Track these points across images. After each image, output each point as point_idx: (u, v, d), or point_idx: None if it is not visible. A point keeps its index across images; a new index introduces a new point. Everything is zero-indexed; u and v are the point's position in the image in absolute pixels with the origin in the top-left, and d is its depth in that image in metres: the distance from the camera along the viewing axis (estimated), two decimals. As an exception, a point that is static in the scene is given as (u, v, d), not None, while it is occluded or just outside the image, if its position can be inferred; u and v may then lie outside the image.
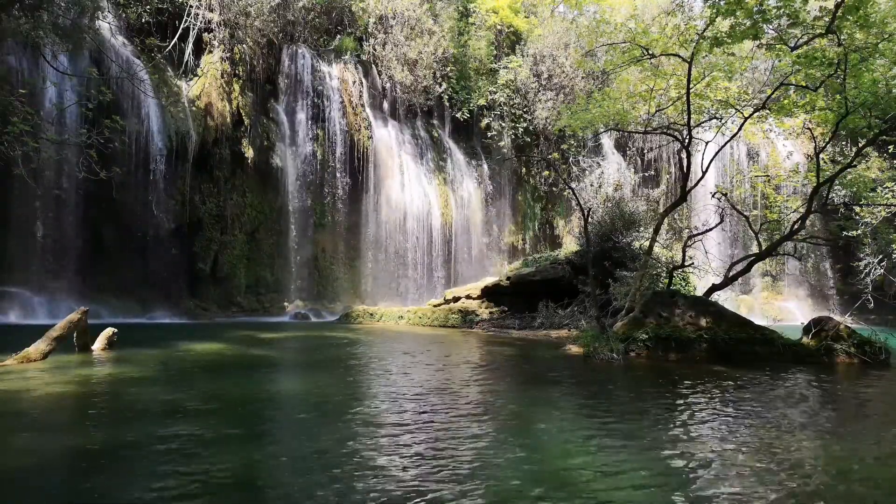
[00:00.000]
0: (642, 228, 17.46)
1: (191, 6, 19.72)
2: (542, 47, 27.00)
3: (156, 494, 3.31)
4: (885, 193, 17.04)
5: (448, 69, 25.72)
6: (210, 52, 20.51)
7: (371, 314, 18.63)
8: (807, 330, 10.53)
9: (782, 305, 26.30)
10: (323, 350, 11.03)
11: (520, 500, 3.33)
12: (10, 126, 11.62)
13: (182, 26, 19.67)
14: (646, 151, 28.79)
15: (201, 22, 20.04)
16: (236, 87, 20.95)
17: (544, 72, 26.75)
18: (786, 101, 11.98)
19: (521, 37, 28.33)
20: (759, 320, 13.64)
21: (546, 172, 27.27)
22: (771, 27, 10.87)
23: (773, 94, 11.87)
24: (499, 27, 27.86)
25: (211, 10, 20.29)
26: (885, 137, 14.52)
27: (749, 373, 8.23)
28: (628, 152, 28.79)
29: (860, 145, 12.45)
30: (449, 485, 3.50)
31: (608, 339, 9.78)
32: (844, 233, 19.95)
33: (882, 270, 20.88)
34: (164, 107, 18.69)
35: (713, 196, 14.49)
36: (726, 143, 13.85)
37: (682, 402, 6.29)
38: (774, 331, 10.41)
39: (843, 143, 21.18)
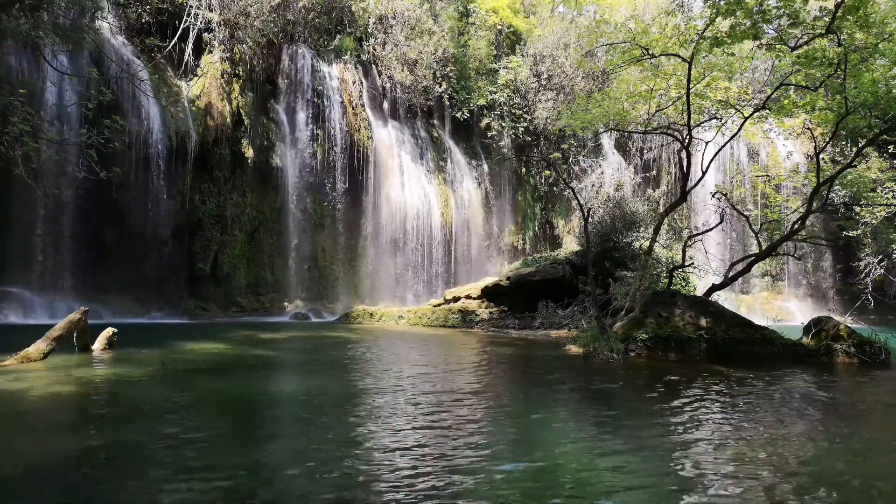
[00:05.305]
0: (642, 228, 17.50)
1: (191, 6, 19.71)
2: (542, 47, 26.99)
3: (156, 494, 3.31)
4: (885, 193, 17.06)
5: (448, 69, 25.71)
6: (210, 52, 20.50)
7: (371, 314, 18.63)
8: (807, 330, 10.54)
9: (782, 305, 26.30)
10: (323, 350, 11.03)
11: (519, 500, 3.33)
12: (10, 126, 11.60)
13: (182, 26, 19.66)
14: (646, 151, 28.79)
15: (201, 22, 20.04)
16: (236, 87, 20.95)
17: (544, 72, 26.75)
18: (786, 101, 11.98)
19: (520, 37, 28.32)
20: (759, 320, 13.65)
21: (546, 172, 27.26)
22: (771, 27, 10.87)
23: (773, 94, 11.87)
24: (499, 27, 27.84)
25: (211, 10, 20.28)
26: (885, 137, 14.53)
27: (748, 373, 8.23)
28: (628, 152, 28.79)
29: (860, 145, 12.46)
30: (448, 485, 3.51)
31: (608, 339, 9.78)
32: (844, 233, 19.98)
33: (882, 270, 20.90)
34: (164, 107, 18.68)
35: (713, 196, 14.51)
36: (726, 143, 13.85)
37: (681, 402, 6.29)
38: (774, 331, 10.41)
39: (843, 143, 21.18)
